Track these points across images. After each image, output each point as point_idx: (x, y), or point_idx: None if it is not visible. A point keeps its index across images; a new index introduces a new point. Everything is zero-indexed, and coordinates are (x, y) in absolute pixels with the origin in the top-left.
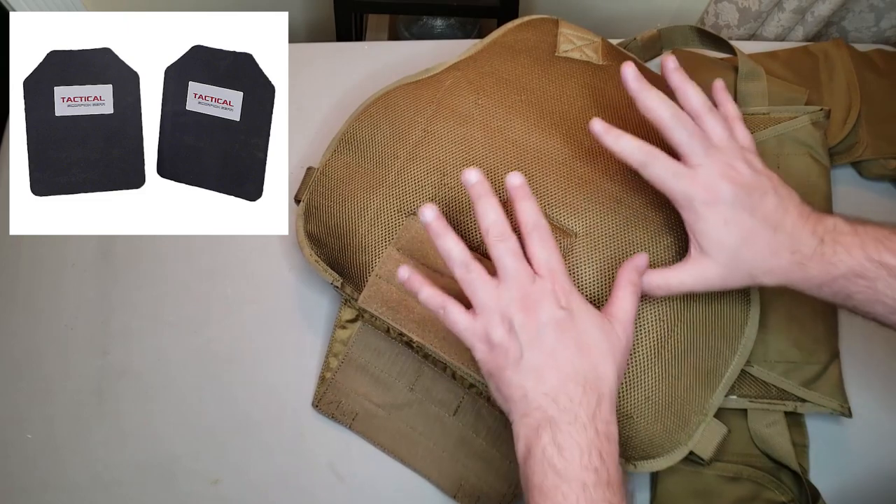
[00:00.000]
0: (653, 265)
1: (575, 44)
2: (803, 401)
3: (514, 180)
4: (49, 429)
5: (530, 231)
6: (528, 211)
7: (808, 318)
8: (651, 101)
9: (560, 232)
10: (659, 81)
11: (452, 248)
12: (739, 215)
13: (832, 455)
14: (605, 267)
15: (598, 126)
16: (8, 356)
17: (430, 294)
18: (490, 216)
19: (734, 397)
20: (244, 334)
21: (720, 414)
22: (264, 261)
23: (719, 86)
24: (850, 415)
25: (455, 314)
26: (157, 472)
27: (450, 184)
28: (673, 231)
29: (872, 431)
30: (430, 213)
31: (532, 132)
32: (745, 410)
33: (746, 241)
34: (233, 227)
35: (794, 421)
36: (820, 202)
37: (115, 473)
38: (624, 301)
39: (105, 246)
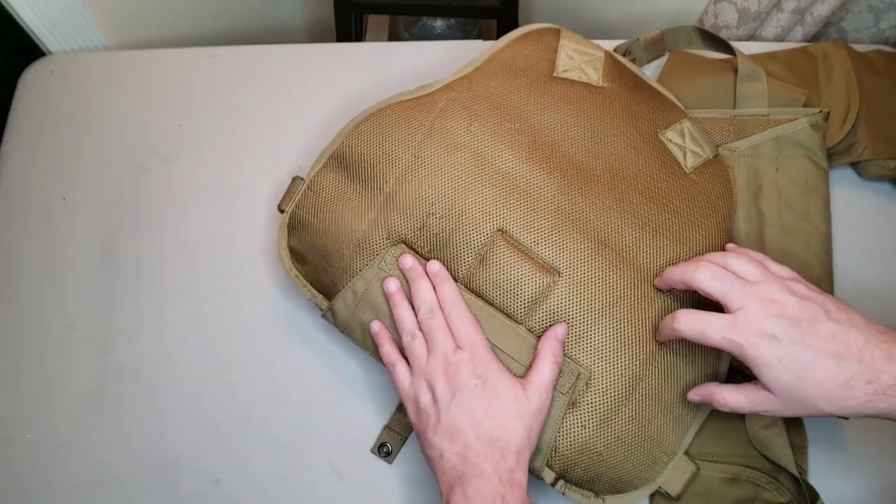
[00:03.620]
0: (630, 313)
1: (575, 60)
2: None
3: (433, 267)
4: (49, 429)
5: (449, 309)
6: (447, 291)
7: None
8: (674, 274)
9: (544, 269)
10: (645, 88)
11: (405, 317)
12: (792, 350)
13: (831, 456)
14: (585, 308)
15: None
16: (8, 356)
17: (388, 351)
18: (422, 294)
19: None
20: (244, 334)
21: (719, 415)
22: (265, 260)
23: (731, 247)
24: (847, 416)
25: (400, 374)
26: (157, 471)
27: (437, 213)
28: (651, 279)
29: (870, 432)
30: (392, 286)
31: (522, 164)
32: None
33: (805, 376)
34: (233, 226)
35: (794, 422)
36: (818, 205)
37: (115, 473)
38: (543, 370)
39: (105, 246)
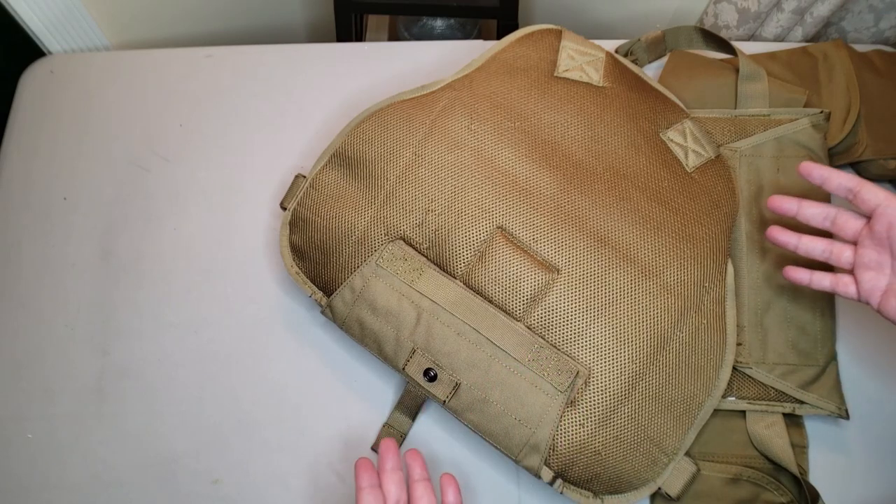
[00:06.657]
0: (630, 310)
1: (576, 60)
2: (801, 402)
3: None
4: (49, 428)
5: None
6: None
7: (807, 320)
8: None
9: (543, 266)
10: (646, 88)
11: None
12: None
13: (832, 456)
14: (585, 305)
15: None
16: (8, 356)
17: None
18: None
19: (732, 398)
20: (244, 334)
21: (719, 415)
22: (264, 260)
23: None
24: (847, 416)
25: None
26: (157, 471)
27: (436, 210)
28: (653, 276)
29: (870, 433)
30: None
31: (522, 162)
32: (744, 412)
33: None
34: (233, 226)
35: (794, 422)
36: None
37: (115, 473)
38: None
39: (105, 246)
